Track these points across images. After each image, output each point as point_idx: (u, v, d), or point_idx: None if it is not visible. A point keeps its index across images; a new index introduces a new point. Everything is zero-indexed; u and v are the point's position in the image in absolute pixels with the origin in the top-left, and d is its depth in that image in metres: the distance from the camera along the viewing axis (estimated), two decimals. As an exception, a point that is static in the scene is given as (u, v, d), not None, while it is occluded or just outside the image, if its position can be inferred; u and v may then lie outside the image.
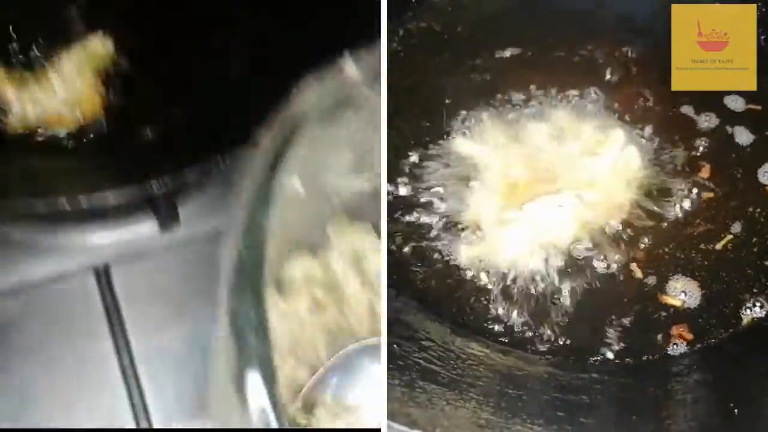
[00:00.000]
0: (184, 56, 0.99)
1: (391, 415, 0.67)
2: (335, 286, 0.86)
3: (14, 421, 0.88)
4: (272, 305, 0.80)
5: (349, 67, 0.76)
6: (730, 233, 0.92)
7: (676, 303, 0.88)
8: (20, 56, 0.96)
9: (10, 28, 0.95)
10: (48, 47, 0.96)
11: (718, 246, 0.91)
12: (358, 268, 0.86)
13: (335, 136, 0.78)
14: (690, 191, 0.94)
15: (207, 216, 0.94)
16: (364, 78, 0.76)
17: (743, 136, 0.97)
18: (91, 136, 0.93)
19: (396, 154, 0.96)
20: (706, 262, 0.90)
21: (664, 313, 0.87)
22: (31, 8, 0.97)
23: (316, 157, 0.78)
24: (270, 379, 0.60)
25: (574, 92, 1.00)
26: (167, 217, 0.91)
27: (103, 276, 0.94)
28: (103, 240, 0.94)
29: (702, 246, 0.91)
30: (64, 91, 0.93)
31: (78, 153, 0.93)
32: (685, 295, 0.88)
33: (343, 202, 0.86)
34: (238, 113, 0.91)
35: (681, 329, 0.87)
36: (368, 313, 0.84)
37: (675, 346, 0.86)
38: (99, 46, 0.96)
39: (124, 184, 0.85)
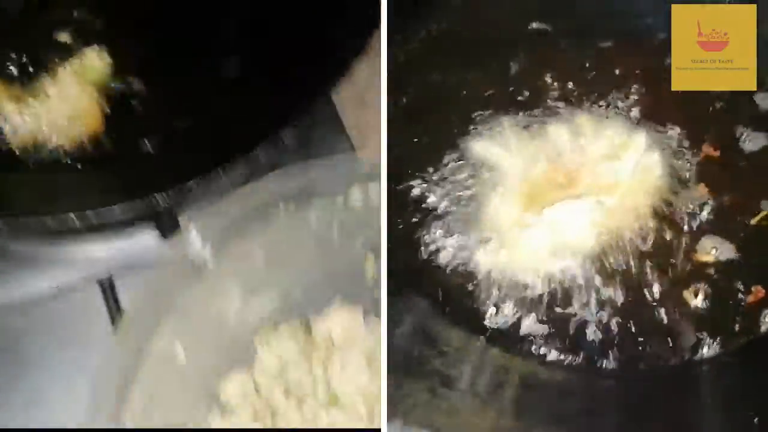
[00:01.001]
0: (183, 69, 0.98)
1: (419, 424, 0.66)
2: (265, 398, 0.87)
3: (26, 431, 0.88)
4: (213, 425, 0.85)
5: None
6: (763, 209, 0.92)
7: (710, 259, 0.89)
8: (19, 71, 0.95)
9: (8, 42, 0.95)
10: (46, 62, 0.95)
11: (753, 221, 0.92)
12: (282, 378, 0.87)
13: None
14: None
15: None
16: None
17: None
18: (92, 150, 0.93)
19: (415, 155, 0.95)
20: (741, 234, 0.91)
21: (685, 318, 0.87)
22: (28, 23, 0.96)
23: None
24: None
25: (596, 95, 0.99)
26: (168, 224, 0.90)
27: (108, 287, 0.92)
28: (105, 251, 0.93)
29: (738, 218, 0.92)
30: (64, 105, 0.92)
31: (80, 168, 0.92)
32: (716, 250, 0.89)
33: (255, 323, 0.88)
34: (238, 125, 0.92)
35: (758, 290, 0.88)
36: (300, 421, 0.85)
37: (700, 350, 0.86)
38: (96, 59, 0.95)
39: (127, 199, 0.85)
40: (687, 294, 0.88)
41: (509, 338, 0.87)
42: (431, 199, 0.94)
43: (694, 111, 0.97)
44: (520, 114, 0.98)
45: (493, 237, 0.91)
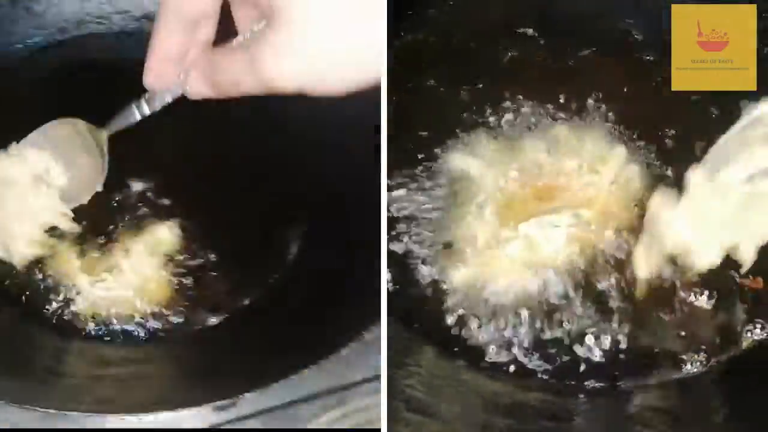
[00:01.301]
0: (252, 246, 0.99)
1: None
2: None
3: None
4: None
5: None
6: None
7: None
8: (92, 242, 0.95)
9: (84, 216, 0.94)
10: (118, 235, 0.96)
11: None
12: None
13: None
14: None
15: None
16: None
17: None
18: (159, 323, 0.93)
19: (389, 168, 0.93)
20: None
21: (665, 337, 0.87)
22: (102, 198, 0.94)
23: None
24: None
25: (574, 107, 0.98)
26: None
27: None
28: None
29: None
30: (136, 279, 0.93)
31: (145, 341, 0.92)
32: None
33: None
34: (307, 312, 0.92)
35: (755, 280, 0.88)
36: None
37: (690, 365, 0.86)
38: (167, 233, 0.96)
39: (190, 377, 0.87)
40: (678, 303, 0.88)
41: (482, 357, 0.86)
42: (404, 212, 0.93)
43: (676, 120, 0.97)
44: (497, 126, 0.97)
45: (468, 252, 0.90)
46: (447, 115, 0.98)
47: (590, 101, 0.98)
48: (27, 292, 0.92)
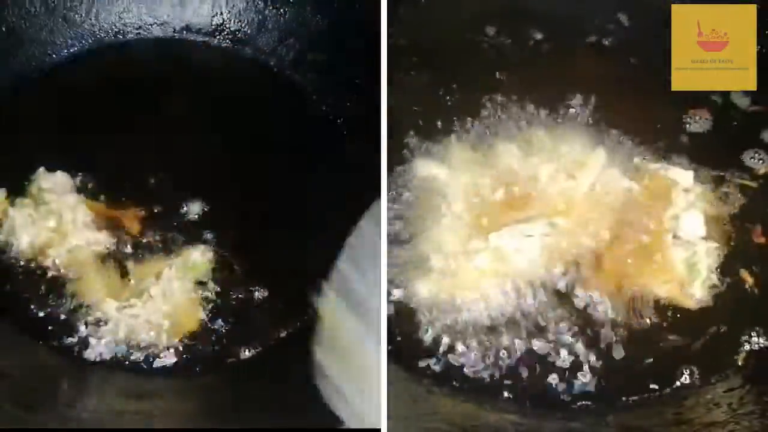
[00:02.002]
0: (294, 270, 0.95)
1: None
2: None
3: None
4: None
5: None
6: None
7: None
8: (121, 263, 0.94)
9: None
10: (150, 259, 0.95)
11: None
12: None
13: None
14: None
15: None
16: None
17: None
18: (187, 356, 0.91)
19: None
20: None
21: (650, 355, 0.87)
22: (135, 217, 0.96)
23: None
24: None
25: (550, 109, 0.97)
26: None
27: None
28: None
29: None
30: (164, 305, 0.91)
31: (172, 375, 0.90)
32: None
33: None
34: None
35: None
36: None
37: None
38: (199, 258, 0.94)
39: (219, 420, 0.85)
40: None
41: (450, 376, 0.84)
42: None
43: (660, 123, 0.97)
44: (468, 130, 0.95)
45: (434, 264, 0.88)
46: (414, 119, 0.96)
47: (567, 103, 0.97)
48: (47, 316, 0.91)
